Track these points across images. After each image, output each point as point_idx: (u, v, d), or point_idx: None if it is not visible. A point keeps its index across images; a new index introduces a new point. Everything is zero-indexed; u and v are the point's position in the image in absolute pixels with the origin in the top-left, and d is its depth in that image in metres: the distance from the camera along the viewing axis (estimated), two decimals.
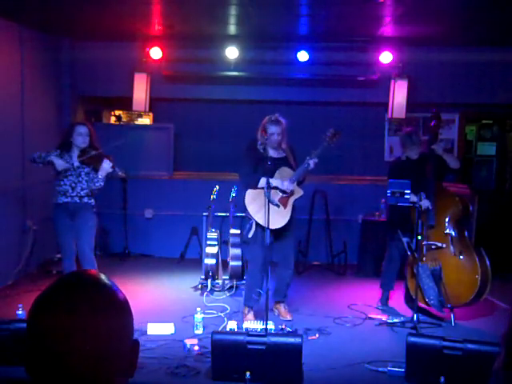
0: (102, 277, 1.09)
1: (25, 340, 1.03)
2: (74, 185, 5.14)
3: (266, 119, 5.10)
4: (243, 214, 5.38)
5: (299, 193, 5.12)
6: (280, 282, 5.37)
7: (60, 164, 5.08)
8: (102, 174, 5.15)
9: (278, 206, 5.07)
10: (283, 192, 5.07)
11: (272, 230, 4.97)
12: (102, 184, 5.19)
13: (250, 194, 5.10)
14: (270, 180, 4.94)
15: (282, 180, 5.06)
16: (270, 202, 4.87)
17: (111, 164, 5.14)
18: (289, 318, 5.29)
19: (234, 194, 6.29)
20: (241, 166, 5.18)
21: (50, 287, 1.06)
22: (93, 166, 5.18)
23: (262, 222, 5.00)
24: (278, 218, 5.05)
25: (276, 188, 5.04)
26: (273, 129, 5.02)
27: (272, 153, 5.14)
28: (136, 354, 1.11)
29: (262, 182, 4.93)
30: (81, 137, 5.13)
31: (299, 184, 5.18)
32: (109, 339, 1.02)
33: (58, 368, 0.99)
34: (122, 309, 1.07)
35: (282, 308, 5.39)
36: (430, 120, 5.51)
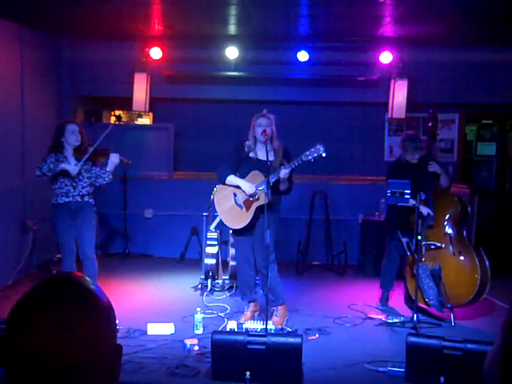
0: (86, 281, 1.08)
1: (3, 341, 1.02)
2: (74, 184, 5.12)
3: (254, 117, 5.08)
4: None
5: (262, 200, 4.78)
6: (263, 286, 5.09)
7: (73, 169, 5.04)
8: (110, 167, 5.15)
9: (240, 206, 5.03)
10: (250, 195, 4.95)
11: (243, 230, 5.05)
12: (111, 177, 5.21)
13: (218, 187, 5.20)
14: (237, 179, 4.98)
15: (246, 182, 4.95)
16: (235, 201, 5.02)
17: (118, 155, 5.13)
18: (275, 326, 4.91)
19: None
20: (218, 163, 5.18)
21: (32, 289, 1.05)
22: (93, 161, 5.17)
23: (221, 216, 5.20)
24: (238, 219, 5.03)
25: (239, 188, 5.00)
26: (259, 121, 4.97)
27: (261, 155, 5.00)
28: (118, 360, 1.09)
29: (229, 179, 5.02)
30: (74, 135, 5.08)
31: (276, 187, 4.92)
32: (88, 344, 1.01)
33: (35, 371, 0.98)
34: (104, 314, 1.05)
35: (273, 314, 5.13)
36: (428, 121, 5.52)
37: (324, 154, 4.75)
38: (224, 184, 5.10)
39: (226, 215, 5.12)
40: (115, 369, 1.08)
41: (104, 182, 5.20)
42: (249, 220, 4.97)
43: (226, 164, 5.11)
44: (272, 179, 4.79)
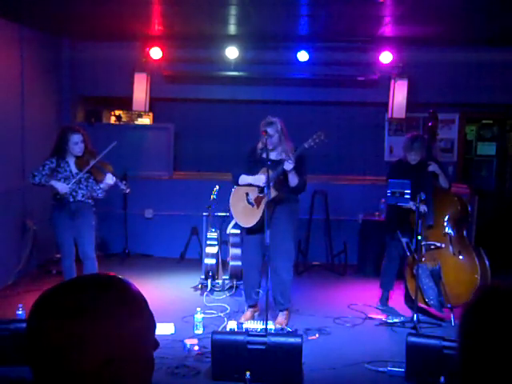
0: (124, 285, 1.07)
1: (26, 339, 1.02)
2: (74, 193, 5.17)
3: (262, 122, 5.12)
4: (223, 214, 5.48)
5: (271, 194, 4.89)
6: (273, 288, 5.11)
7: (61, 187, 5.07)
8: (103, 186, 5.20)
9: (252, 204, 5.09)
10: (260, 191, 5.03)
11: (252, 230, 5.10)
12: (104, 194, 5.26)
13: (233, 190, 5.27)
14: (247, 177, 5.06)
15: (256, 176, 5.03)
16: (247, 200, 5.09)
17: (114, 179, 5.17)
18: (277, 326, 4.98)
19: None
20: (232, 167, 5.31)
21: (55, 287, 1.05)
22: (93, 175, 5.19)
23: (235, 217, 5.25)
24: (250, 217, 5.10)
25: (251, 185, 5.07)
26: (262, 129, 5.03)
27: (272, 155, 5.09)
28: (151, 366, 1.08)
29: (241, 178, 5.11)
30: (77, 146, 5.12)
31: (285, 183, 4.98)
32: (123, 344, 1.00)
33: (63, 371, 0.98)
34: (137, 310, 1.05)
35: (279, 315, 5.17)
36: (428, 121, 5.53)
37: (323, 137, 4.85)
38: (238, 185, 5.18)
39: (240, 215, 5.19)
40: (147, 373, 1.07)
41: (97, 197, 5.28)
42: (259, 216, 5.01)
43: (238, 166, 5.21)
44: (275, 174, 4.87)
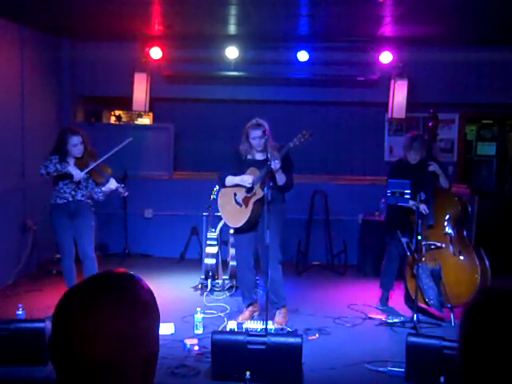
0: (129, 279, 1.08)
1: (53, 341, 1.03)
2: (74, 193, 5.19)
3: (247, 125, 5.11)
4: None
5: (259, 194, 4.97)
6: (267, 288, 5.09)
7: (76, 173, 5.09)
8: (105, 190, 5.23)
9: (240, 204, 5.10)
10: (247, 191, 5.04)
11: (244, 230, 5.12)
12: (104, 198, 5.27)
13: (221, 191, 5.29)
14: (233, 178, 5.07)
15: (243, 175, 5.05)
16: (235, 200, 5.09)
17: (117, 185, 5.21)
18: (277, 325, 4.97)
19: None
20: (219, 169, 5.31)
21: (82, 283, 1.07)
22: (93, 177, 5.21)
23: (224, 218, 5.26)
24: (238, 217, 5.11)
25: (238, 185, 5.08)
26: (253, 133, 5.04)
27: (258, 156, 5.13)
28: (153, 364, 1.09)
29: (228, 179, 5.12)
30: (76, 148, 5.14)
31: (275, 182, 4.96)
32: (124, 343, 1.01)
33: (81, 371, 0.99)
34: (145, 312, 1.06)
35: (276, 315, 5.16)
36: (428, 121, 5.54)
37: (308, 135, 4.84)
38: (225, 187, 5.17)
39: (228, 215, 5.20)
40: (149, 373, 1.08)
41: (97, 199, 5.30)
42: (247, 216, 5.02)
43: (225, 168, 5.21)
44: (262, 173, 4.89)
